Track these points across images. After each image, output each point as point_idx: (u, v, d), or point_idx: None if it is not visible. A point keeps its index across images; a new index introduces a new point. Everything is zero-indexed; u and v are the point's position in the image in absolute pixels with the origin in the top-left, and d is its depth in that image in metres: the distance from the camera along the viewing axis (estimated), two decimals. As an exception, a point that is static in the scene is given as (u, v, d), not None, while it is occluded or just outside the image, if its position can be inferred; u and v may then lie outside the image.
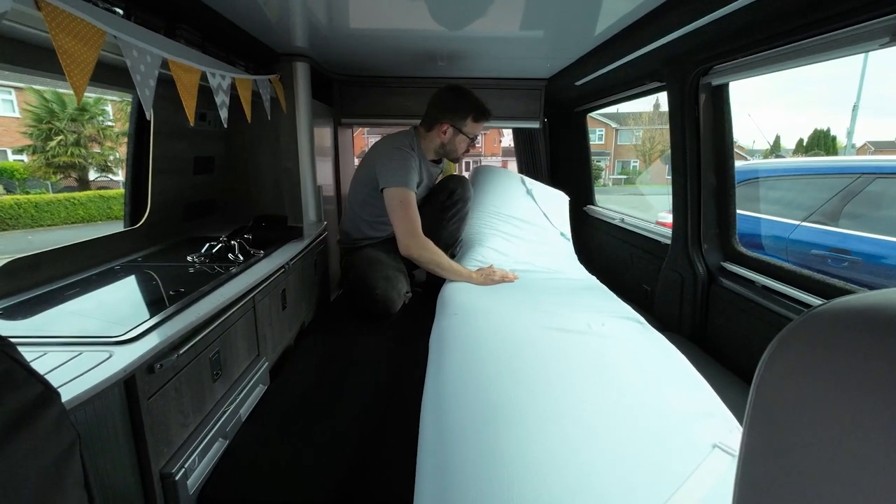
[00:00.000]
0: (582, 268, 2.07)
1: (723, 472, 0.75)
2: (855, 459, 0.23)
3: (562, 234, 2.33)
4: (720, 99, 1.59)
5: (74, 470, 0.37)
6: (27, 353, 0.80)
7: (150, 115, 1.00)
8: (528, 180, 2.43)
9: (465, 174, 2.51)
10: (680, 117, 1.68)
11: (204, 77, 1.28)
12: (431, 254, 1.85)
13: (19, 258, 1.13)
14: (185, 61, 1.17)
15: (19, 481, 0.31)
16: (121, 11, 1.02)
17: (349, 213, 2.12)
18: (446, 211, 2.11)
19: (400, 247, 1.88)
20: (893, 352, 0.22)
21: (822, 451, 0.24)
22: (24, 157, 13.97)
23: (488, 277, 1.85)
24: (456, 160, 2.16)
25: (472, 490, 0.72)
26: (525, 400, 0.94)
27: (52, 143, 13.36)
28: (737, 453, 0.78)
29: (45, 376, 0.72)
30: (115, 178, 15.51)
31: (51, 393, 0.36)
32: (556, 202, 2.42)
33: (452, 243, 2.24)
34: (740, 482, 0.32)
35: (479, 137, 2.09)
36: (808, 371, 0.26)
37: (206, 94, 1.34)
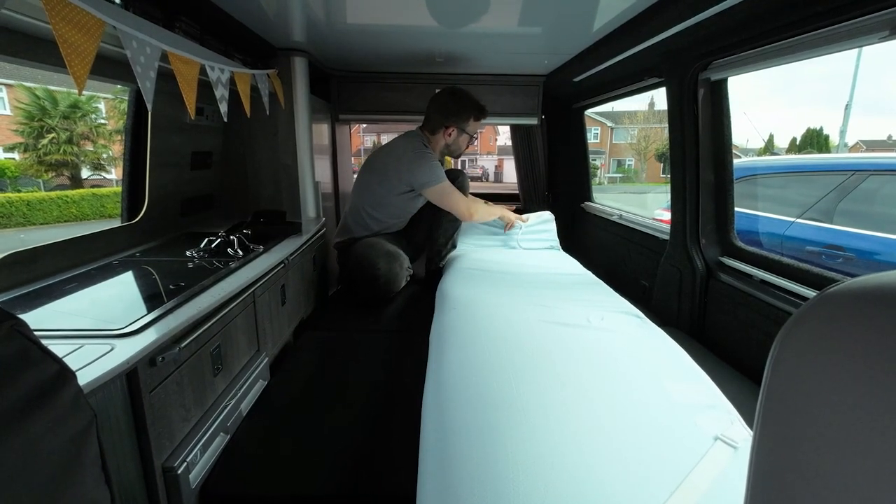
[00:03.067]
0: (577, 263, 2.08)
1: (724, 465, 0.75)
2: (879, 429, 0.23)
3: (551, 247, 2.40)
4: (719, 94, 1.60)
5: (92, 449, 0.36)
6: (28, 346, 0.79)
7: (150, 106, 0.99)
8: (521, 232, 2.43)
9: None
10: (678, 113, 1.68)
11: (202, 71, 1.27)
12: (482, 208, 2.21)
13: (18, 252, 1.11)
14: (185, 54, 1.16)
15: (40, 457, 0.30)
16: (119, 2, 1.01)
17: (357, 214, 2.13)
18: None
19: (463, 218, 2.15)
20: None
21: (844, 424, 0.25)
22: (16, 155, 13.81)
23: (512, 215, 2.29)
24: (458, 157, 2.29)
25: (476, 486, 0.72)
26: (526, 394, 0.93)
27: (44, 141, 13.22)
28: (737, 446, 0.79)
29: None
30: (107, 176, 15.39)
31: (67, 372, 0.36)
32: (545, 229, 2.45)
33: (452, 233, 2.32)
34: (755, 461, 0.32)
35: (476, 134, 2.25)
36: (828, 346, 0.26)
37: (203, 88, 1.33)
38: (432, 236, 2.30)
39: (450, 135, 2.10)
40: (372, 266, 1.99)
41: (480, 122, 2.15)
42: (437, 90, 2.14)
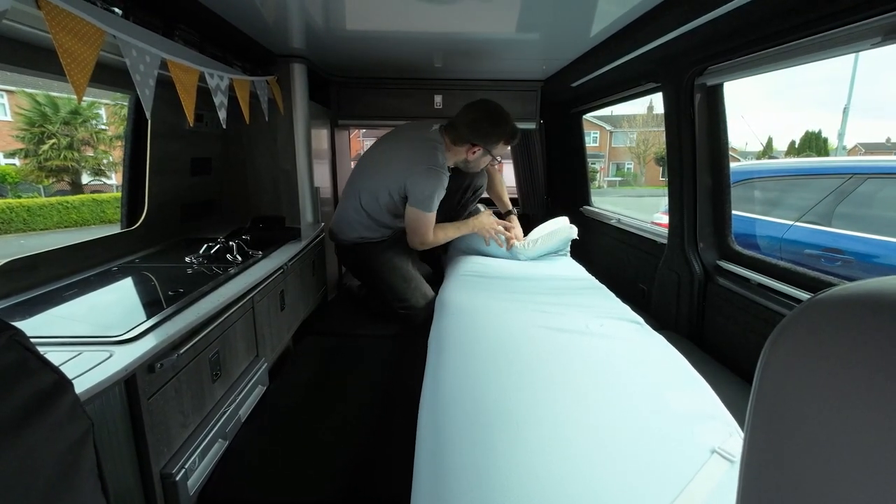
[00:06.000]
0: (581, 268, 2.08)
1: (720, 479, 0.74)
2: (867, 434, 0.23)
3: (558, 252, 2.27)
4: (715, 99, 1.61)
5: (89, 457, 0.37)
6: (27, 353, 0.79)
7: (149, 114, 1.00)
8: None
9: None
10: (675, 118, 1.69)
11: (202, 78, 1.28)
12: (438, 237, 1.99)
13: (17, 259, 1.12)
14: (184, 61, 1.17)
15: (36, 467, 0.31)
16: (119, 11, 1.02)
17: (354, 214, 2.04)
18: (465, 207, 2.23)
19: (411, 245, 2.01)
20: None
21: (832, 429, 0.25)
22: (16, 161, 13.85)
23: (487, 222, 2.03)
24: (471, 171, 2.15)
25: (467, 496, 0.71)
26: (522, 402, 0.93)
27: (45, 147, 13.26)
28: (735, 459, 0.78)
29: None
30: (108, 181, 15.42)
31: (64, 381, 0.36)
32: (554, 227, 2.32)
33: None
34: (746, 466, 0.32)
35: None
36: (815, 354, 0.27)
37: (203, 95, 1.34)
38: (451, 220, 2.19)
39: (473, 153, 1.96)
40: (407, 303, 1.97)
41: (512, 141, 1.99)
42: (475, 100, 1.98)
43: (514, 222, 2.24)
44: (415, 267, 2.08)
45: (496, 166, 2.15)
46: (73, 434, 0.35)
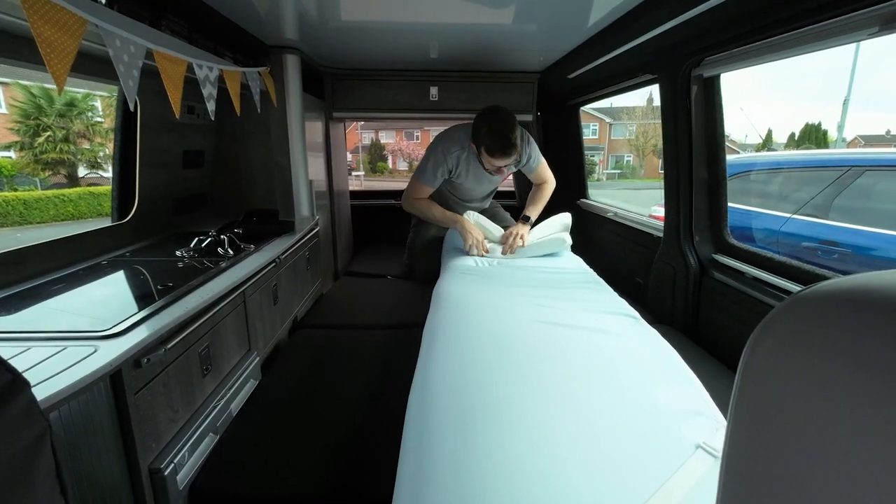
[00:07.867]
0: (580, 261, 2.06)
1: (703, 474, 0.74)
2: (847, 432, 0.23)
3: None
4: (711, 91, 1.59)
5: (45, 460, 0.36)
6: (10, 349, 0.78)
7: (133, 106, 0.98)
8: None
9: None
10: (672, 109, 1.68)
11: (191, 69, 1.26)
12: (419, 210, 2.19)
13: (4, 252, 1.11)
14: (171, 52, 1.15)
15: None
16: (103, 0, 1.00)
17: None
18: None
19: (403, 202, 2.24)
20: (883, 328, 0.22)
21: (812, 427, 0.24)
22: (12, 154, 13.76)
23: (469, 227, 2.06)
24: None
25: (445, 491, 0.70)
26: (509, 396, 0.92)
27: (41, 140, 13.17)
28: (719, 454, 0.77)
29: (29, 371, 0.71)
30: (105, 174, 15.35)
31: (19, 382, 0.35)
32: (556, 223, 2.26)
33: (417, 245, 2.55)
34: (727, 463, 0.32)
35: (504, 169, 2.03)
36: (797, 350, 0.26)
37: (194, 86, 1.32)
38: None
39: (473, 149, 1.97)
40: (411, 264, 2.53)
41: (495, 159, 1.88)
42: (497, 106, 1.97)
43: (522, 230, 2.15)
44: (435, 255, 2.29)
45: (495, 174, 2.12)
46: (29, 436, 0.34)
